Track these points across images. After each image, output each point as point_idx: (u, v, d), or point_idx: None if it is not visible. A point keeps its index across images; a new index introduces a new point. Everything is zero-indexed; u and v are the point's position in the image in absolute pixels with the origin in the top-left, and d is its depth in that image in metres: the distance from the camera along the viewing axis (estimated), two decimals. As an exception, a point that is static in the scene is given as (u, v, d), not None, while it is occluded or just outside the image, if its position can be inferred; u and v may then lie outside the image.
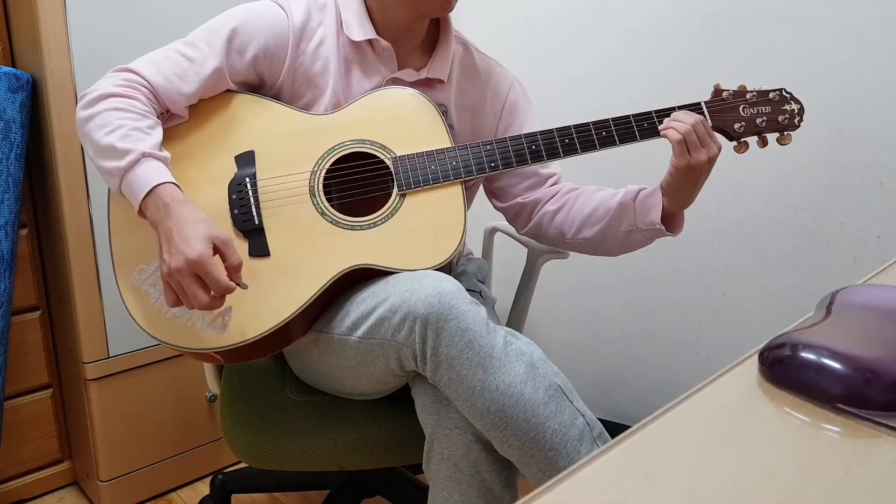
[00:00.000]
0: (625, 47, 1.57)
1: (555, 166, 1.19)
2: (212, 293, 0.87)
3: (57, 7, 1.29)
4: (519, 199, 1.17)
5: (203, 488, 1.63)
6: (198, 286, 0.86)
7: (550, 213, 1.15)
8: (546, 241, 1.21)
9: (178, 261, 0.85)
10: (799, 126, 1.04)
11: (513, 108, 1.17)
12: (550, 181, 1.18)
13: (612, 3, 1.58)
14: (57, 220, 1.40)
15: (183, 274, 0.86)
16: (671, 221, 1.05)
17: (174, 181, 0.92)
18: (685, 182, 0.99)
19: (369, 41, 1.06)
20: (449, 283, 0.89)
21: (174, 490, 1.62)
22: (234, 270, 0.88)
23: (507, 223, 1.24)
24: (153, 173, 0.91)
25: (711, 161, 0.97)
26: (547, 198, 1.16)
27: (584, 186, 1.16)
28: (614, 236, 1.08)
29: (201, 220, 0.89)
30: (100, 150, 0.93)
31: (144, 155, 0.92)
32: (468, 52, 1.16)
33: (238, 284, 0.89)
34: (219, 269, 0.87)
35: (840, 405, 0.50)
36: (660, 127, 0.99)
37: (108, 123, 0.93)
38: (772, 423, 0.49)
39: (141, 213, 0.92)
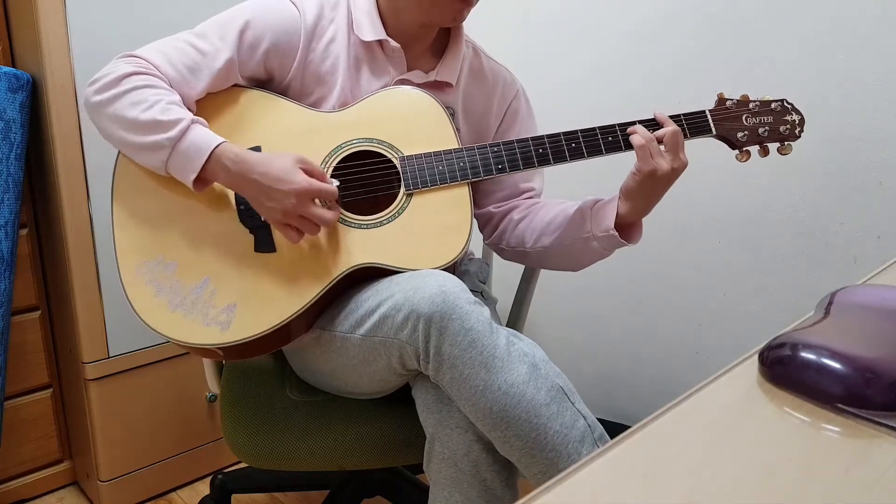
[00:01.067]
0: (625, 48, 1.57)
1: (536, 182, 1.19)
2: (330, 214, 0.92)
3: (57, 7, 1.29)
4: (491, 208, 1.18)
5: (203, 488, 1.63)
6: (317, 209, 0.91)
7: (515, 221, 1.15)
8: (507, 254, 1.20)
9: (288, 199, 0.89)
10: (800, 136, 1.05)
11: (513, 116, 1.18)
12: (526, 194, 1.18)
13: (613, 4, 1.58)
14: (57, 220, 1.40)
15: (301, 205, 0.90)
16: (629, 230, 1.04)
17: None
18: (645, 188, 0.98)
19: (379, 42, 1.06)
20: (453, 282, 0.89)
21: (174, 490, 1.62)
22: (325, 180, 0.94)
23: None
24: (209, 137, 0.92)
25: (675, 172, 0.97)
26: (515, 208, 1.17)
27: (551, 199, 1.16)
28: (572, 245, 1.07)
29: (279, 155, 0.92)
30: (139, 126, 0.92)
31: (193, 121, 0.92)
32: (477, 56, 1.17)
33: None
34: (321, 184, 0.92)
35: (840, 405, 0.50)
36: (633, 136, 0.98)
37: (144, 100, 0.92)
38: (772, 423, 0.49)
39: (200, 179, 0.93)
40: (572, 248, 1.08)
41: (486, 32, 1.77)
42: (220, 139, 0.93)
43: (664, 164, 0.96)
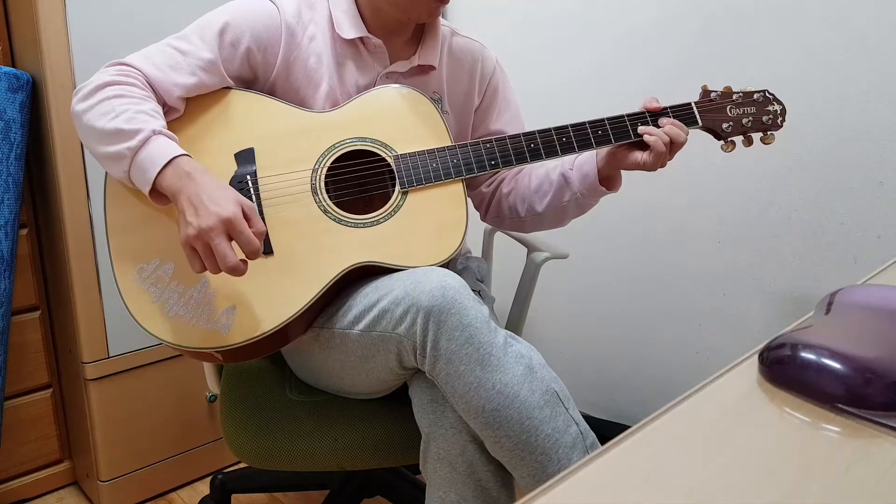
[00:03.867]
0: (623, 47, 1.57)
1: None
2: (234, 259, 0.86)
3: (57, 7, 1.29)
4: (482, 188, 1.23)
5: (203, 488, 1.63)
6: (227, 246, 0.86)
7: (504, 194, 1.21)
8: (506, 225, 1.25)
9: (209, 220, 0.85)
10: (782, 126, 1.08)
11: (494, 91, 1.21)
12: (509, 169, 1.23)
13: (611, 4, 1.58)
14: (57, 220, 1.40)
15: (215, 232, 0.85)
16: (611, 181, 1.11)
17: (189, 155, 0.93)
18: (627, 168, 1.07)
19: (360, 39, 1.07)
20: (454, 279, 0.89)
21: (174, 490, 1.62)
22: (260, 237, 0.88)
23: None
24: (168, 147, 0.91)
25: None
26: (502, 182, 1.23)
27: (530, 166, 1.21)
28: (562, 206, 1.14)
29: (228, 187, 0.90)
30: (104, 135, 0.92)
31: (155, 132, 0.92)
32: (454, 37, 1.19)
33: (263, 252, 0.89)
34: (245, 227, 0.86)
35: (840, 405, 0.50)
36: (649, 138, 1.02)
37: (111, 110, 0.92)
38: (772, 423, 0.49)
39: (154, 191, 0.91)
40: (564, 209, 1.15)
41: (486, 32, 1.77)
42: (179, 152, 0.91)
43: (659, 164, 1.04)
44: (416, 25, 1.13)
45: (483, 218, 1.27)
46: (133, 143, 0.90)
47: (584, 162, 1.10)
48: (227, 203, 0.86)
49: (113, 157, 0.92)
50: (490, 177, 1.22)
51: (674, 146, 1.02)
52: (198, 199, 0.87)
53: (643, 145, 1.03)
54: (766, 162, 1.39)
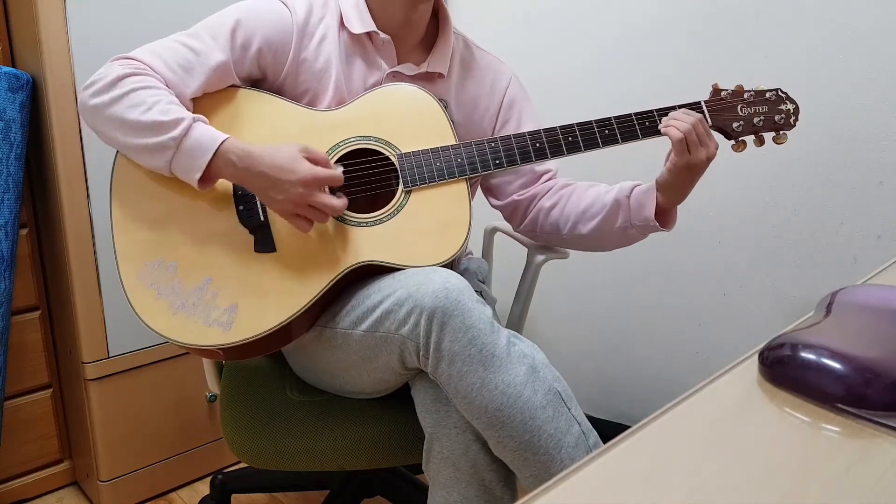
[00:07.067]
0: (625, 45, 1.57)
1: (551, 163, 1.19)
2: (338, 201, 0.93)
3: (57, 7, 1.29)
4: (515, 197, 1.18)
5: (203, 488, 1.63)
6: (326, 196, 0.92)
7: (546, 209, 1.16)
8: (541, 239, 1.21)
9: (296, 188, 0.90)
10: (794, 125, 1.06)
11: (511, 104, 1.18)
12: (545, 177, 1.19)
13: (613, 1, 1.58)
14: (57, 220, 1.40)
15: (310, 192, 0.91)
16: (665, 217, 1.06)
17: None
18: (682, 180, 1.01)
19: (369, 34, 1.07)
20: (457, 279, 0.89)
21: (174, 490, 1.62)
22: (328, 166, 0.94)
23: (507, 222, 1.25)
24: (212, 133, 0.93)
25: (709, 160, 0.99)
26: (542, 194, 1.17)
27: (577, 182, 1.17)
28: (609, 232, 1.09)
29: (281, 147, 0.92)
30: (140, 128, 0.92)
31: (195, 119, 0.93)
32: (468, 48, 1.17)
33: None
34: (326, 171, 0.92)
35: (840, 405, 0.50)
36: (660, 126, 1.00)
37: (142, 101, 0.92)
38: (772, 423, 0.49)
39: (205, 177, 0.93)
40: (610, 235, 1.10)
41: (486, 29, 1.78)
42: (223, 135, 0.93)
43: (700, 154, 0.97)
44: (427, 31, 1.12)
45: (516, 228, 1.23)
46: (176, 132, 0.91)
47: (643, 192, 1.05)
48: (298, 164, 0.90)
49: (151, 149, 0.92)
50: (522, 186, 1.18)
51: (695, 130, 0.97)
52: (271, 176, 0.91)
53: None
54: (766, 162, 1.39)
